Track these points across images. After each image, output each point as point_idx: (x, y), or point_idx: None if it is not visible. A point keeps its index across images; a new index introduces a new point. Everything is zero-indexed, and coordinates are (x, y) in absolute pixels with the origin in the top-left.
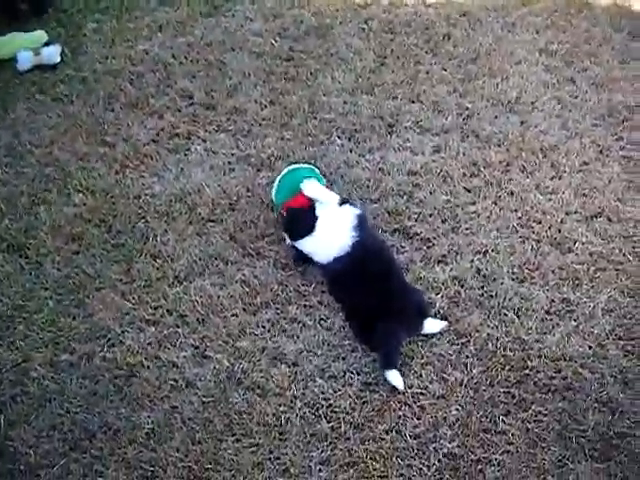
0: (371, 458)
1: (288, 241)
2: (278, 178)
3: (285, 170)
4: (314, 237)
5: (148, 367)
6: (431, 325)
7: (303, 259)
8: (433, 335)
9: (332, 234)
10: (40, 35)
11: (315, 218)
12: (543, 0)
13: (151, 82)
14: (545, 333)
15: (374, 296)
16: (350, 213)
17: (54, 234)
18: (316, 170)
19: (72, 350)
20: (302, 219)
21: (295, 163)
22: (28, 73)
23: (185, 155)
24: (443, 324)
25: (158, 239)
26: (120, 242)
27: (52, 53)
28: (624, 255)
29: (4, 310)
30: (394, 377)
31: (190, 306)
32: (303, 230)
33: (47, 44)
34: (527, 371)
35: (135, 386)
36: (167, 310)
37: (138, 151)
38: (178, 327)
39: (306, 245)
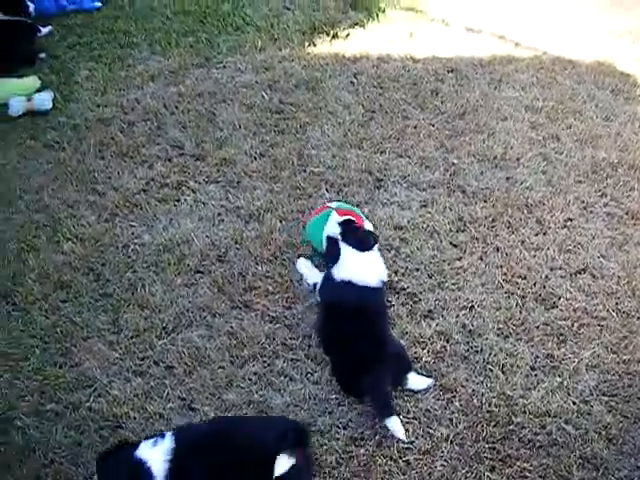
0: None
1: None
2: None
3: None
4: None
5: (134, 418)
6: (416, 381)
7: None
8: (419, 390)
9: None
10: (33, 81)
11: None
12: (529, 57)
13: (142, 131)
14: (530, 389)
15: (362, 346)
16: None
17: (42, 281)
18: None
19: (58, 399)
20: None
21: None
22: (20, 119)
23: (175, 205)
24: (429, 381)
25: (146, 289)
26: (108, 291)
27: (44, 99)
28: (607, 311)
29: None
30: (395, 424)
31: (177, 357)
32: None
33: (39, 90)
34: (512, 427)
35: (121, 437)
36: (154, 361)
37: (128, 200)
38: (165, 378)
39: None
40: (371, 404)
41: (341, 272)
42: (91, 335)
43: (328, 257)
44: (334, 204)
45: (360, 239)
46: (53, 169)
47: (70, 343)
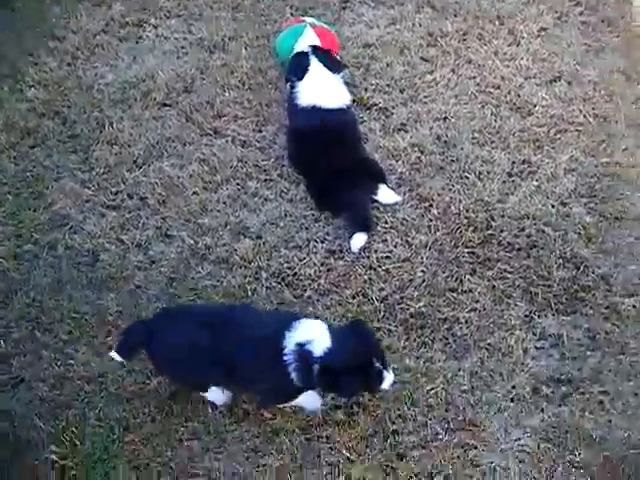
0: (338, 321)
1: None
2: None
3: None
4: None
5: (111, 250)
6: (386, 194)
7: None
8: (386, 204)
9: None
10: None
11: None
12: None
13: None
14: (507, 194)
15: (336, 161)
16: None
17: (8, 130)
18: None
19: (35, 241)
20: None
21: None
22: None
23: (137, 43)
24: (397, 198)
25: (114, 126)
26: (76, 132)
27: None
28: (584, 116)
29: None
30: (359, 240)
31: (150, 189)
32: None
33: None
34: (491, 231)
35: (99, 270)
36: (127, 194)
37: (88, 42)
38: (139, 210)
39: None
40: (347, 218)
41: (305, 97)
42: (62, 176)
43: (294, 71)
44: (309, 19)
45: (333, 60)
46: (9, 21)
47: (42, 186)
